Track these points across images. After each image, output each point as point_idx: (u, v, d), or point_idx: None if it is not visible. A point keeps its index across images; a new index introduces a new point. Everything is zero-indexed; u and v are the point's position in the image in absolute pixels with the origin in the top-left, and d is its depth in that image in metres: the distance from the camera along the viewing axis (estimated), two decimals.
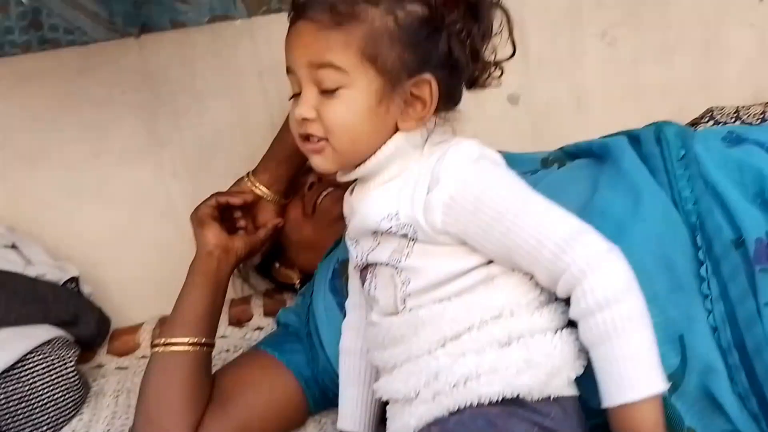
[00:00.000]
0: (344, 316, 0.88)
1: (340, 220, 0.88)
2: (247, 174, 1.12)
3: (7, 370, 1.01)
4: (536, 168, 0.93)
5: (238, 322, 1.29)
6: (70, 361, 1.07)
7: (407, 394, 0.69)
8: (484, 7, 0.71)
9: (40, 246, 1.24)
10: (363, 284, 0.77)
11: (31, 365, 1.03)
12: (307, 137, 0.72)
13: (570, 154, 0.95)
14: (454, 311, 0.68)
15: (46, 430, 1.03)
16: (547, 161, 0.95)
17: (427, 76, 0.70)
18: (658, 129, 0.85)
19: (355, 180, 0.78)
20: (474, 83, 0.75)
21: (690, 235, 0.75)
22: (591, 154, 0.90)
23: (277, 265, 1.22)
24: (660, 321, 0.66)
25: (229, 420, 0.93)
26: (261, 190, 1.11)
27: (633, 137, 0.87)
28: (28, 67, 1.31)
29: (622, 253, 0.64)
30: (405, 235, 0.70)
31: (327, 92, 0.70)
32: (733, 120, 1.13)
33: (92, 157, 1.34)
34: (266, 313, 1.30)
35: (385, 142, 0.72)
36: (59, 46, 1.33)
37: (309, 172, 1.14)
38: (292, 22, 0.72)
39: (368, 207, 0.73)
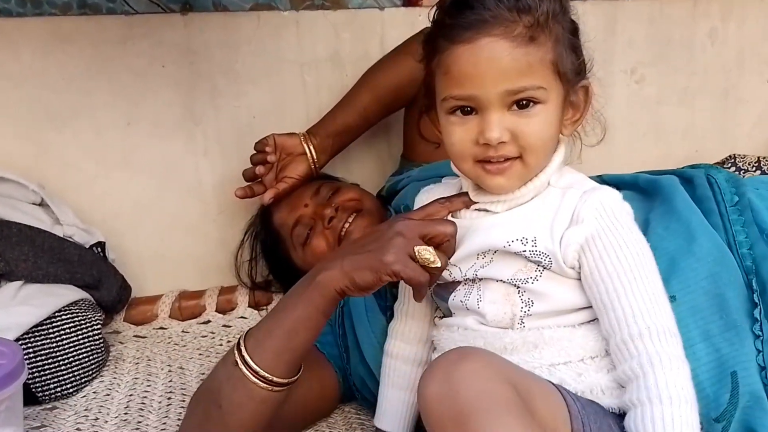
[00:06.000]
0: (387, 319, 0.89)
1: None
2: (303, 134, 1.21)
3: (36, 326, 1.02)
4: None
5: (222, 310, 1.31)
6: (96, 324, 1.09)
7: None
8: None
9: (68, 207, 1.24)
10: (447, 295, 0.77)
11: (59, 323, 1.05)
12: (487, 160, 0.70)
13: (610, 185, 0.96)
14: (582, 339, 0.71)
15: (70, 387, 1.04)
16: None
17: (586, 81, 0.72)
18: (708, 173, 0.89)
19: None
20: None
21: (744, 278, 0.79)
22: (635, 187, 0.93)
23: None
24: (713, 359, 0.71)
25: None
26: (310, 151, 1.18)
27: (684, 178, 0.90)
28: (67, 29, 1.31)
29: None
30: (538, 262, 0.71)
31: (520, 109, 0.67)
32: (754, 169, 1.20)
33: (124, 125, 1.34)
34: (251, 305, 1.32)
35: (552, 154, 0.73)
36: (99, 12, 1.33)
37: (327, 206, 1.11)
38: (469, 40, 0.66)
39: (494, 228, 0.73)
